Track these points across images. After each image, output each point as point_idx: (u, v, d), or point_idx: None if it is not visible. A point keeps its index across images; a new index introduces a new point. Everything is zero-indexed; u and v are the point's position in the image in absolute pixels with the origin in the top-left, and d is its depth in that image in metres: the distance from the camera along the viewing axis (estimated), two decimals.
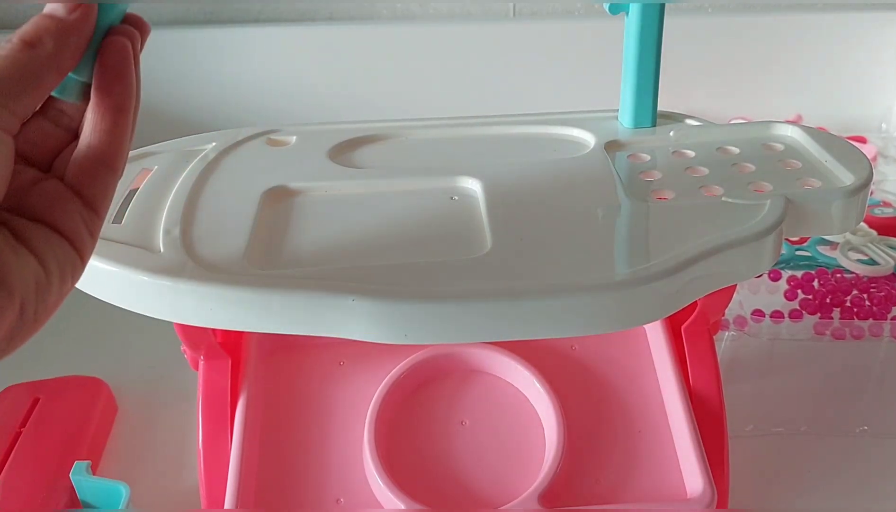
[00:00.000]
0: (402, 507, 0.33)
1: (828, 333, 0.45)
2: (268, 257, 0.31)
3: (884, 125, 0.74)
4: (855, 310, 0.48)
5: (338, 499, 0.34)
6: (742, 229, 0.30)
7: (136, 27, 0.26)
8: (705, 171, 0.35)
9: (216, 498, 0.36)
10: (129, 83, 0.25)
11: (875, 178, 0.62)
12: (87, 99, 0.25)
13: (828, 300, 0.48)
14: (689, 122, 0.40)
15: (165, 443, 0.45)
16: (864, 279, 0.51)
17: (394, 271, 0.29)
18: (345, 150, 0.39)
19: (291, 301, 0.28)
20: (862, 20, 0.72)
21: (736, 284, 0.34)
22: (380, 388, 0.36)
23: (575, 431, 0.36)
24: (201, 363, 0.37)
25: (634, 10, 0.37)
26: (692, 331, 0.38)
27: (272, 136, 0.40)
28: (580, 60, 0.72)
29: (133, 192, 0.35)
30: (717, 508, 0.34)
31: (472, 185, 0.35)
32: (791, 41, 0.73)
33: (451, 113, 0.42)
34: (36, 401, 0.44)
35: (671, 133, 0.38)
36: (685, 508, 0.33)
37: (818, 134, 0.37)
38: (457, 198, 0.34)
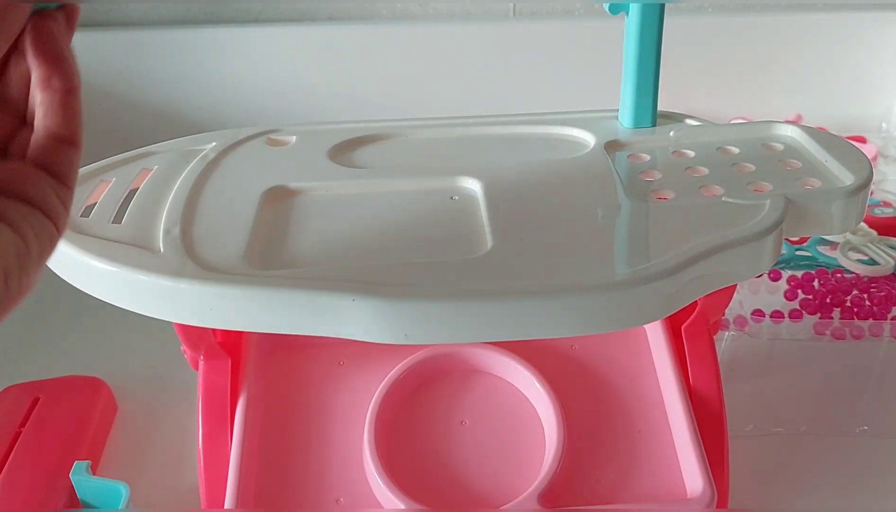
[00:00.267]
0: (402, 507, 0.33)
1: (828, 333, 0.45)
2: (268, 257, 0.31)
3: (884, 125, 0.74)
4: (855, 310, 0.48)
5: (338, 499, 0.34)
6: (742, 229, 0.30)
7: (64, 10, 0.26)
8: (705, 171, 0.35)
9: (216, 498, 0.36)
10: (69, 66, 0.26)
11: (875, 178, 0.62)
12: None
13: (828, 300, 0.48)
14: (689, 122, 0.40)
15: (165, 443, 0.45)
16: (864, 279, 0.51)
17: (394, 271, 0.29)
18: (345, 150, 0.39)
19: (291, 301, 0.28)
20: (862, 20, 0.72)
21: (736, 284, 0.34)
22: (380, 388, 0.36)
23: (575, 431, 0.36)
24: (201, 363, 0.37)
25: (634, 10, 0.37)
26: (692, 331, 0.38)
27: (272, 136, 0.40)
28: (580, 60, 0.72)
29: (133, 192, 0.35)
30: (717, 508, 0.34)
31: (472, 185, 0.35)
32: (791, 41, 0.73)
33: (451, 113, 0.42)
34: (36, 401, 0.44)
35: (671, 133, 0.38)
36: (685, 508, 0.33)
37: (818, 134, 0.37)
38: (457, 198, 0.34)
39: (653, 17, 0.37)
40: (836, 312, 0.47)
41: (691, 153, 0.37)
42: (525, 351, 0.38)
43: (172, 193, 0.34)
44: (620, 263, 0.29)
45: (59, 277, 0.32)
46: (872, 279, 0.51)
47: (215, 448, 0.36)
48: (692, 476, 0.34)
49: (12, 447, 0.41)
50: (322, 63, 0.72)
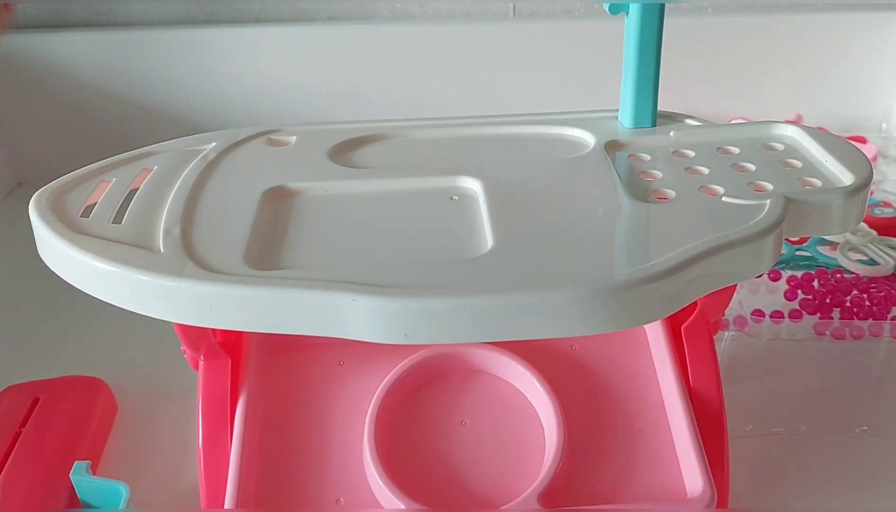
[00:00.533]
0: (402, 507, 0.33)
1: (828, 333, 0.45)
2: (268, 257, 0.31)
3: (884, 125, 0.74)
4: (855, 310, 0.48)
5: (338, 499, 0.34)
6: (742, 229, 0.30)
7: None
8: (705, 171, 0.35)
9: (216, 498, 0.36)
10: None
11: (875, 178, 0.62)
12: None
13: (828, 300, 0.48)
14: (689, 122, 0.40)
15: (165, 443, 0.45)
16: (864, 279, 0.51)
17: (394, 271, 0.29)
18: (345, 150, 0.39)
19: (291, 301, 0.28)
20: (862, 20, 0.72)
21: (736, 284, 0.34)
22: (380, 388, 0.36)
23: (575, 431, 0.36)
24: (201, 363, 0.37)
25: (634, 10, 0.37)
26: (692, 331, 0.38)
27: (272, 136, 0.40)
28: (580, 60, 0.72)
29: (133, 192, 0.35)
30: (717, 508, 0.34)
31: (472, 185, 0.35)
32: (791, 41, 0.73)
33: (451, 113, 0.42)
34: (36, 401, 0.44)
35: (671, 133, 0.38)
36: (685, 508, 0.33)
37: (818, 134, 0.37)
38: (457, 198, 0.34)
39: (653, 17, 0.37)
40: (836, 312, 0.47)
41: (691, 153, 0.37)
42: (525, 351, 0.38)
43: (172, 193, 0.34)
44: (620, 263, 0.29)
45: (59, 276, 0.32)
46: (872, 279, 0.51)
47: (215, 448, 0.36)
48: (692, 476, 0.34)
49: (12, 447, 0.41)
50: (322, 63, 0.72)
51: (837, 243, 0.54)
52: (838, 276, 0.51)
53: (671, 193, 0.34)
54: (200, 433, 0.37)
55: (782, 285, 0.51)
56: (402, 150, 0.39)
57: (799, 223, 0.33)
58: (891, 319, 0.47)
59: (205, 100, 0.73)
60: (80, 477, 0.38)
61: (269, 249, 0.31)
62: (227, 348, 0.37)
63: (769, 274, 0.52)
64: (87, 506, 0.39)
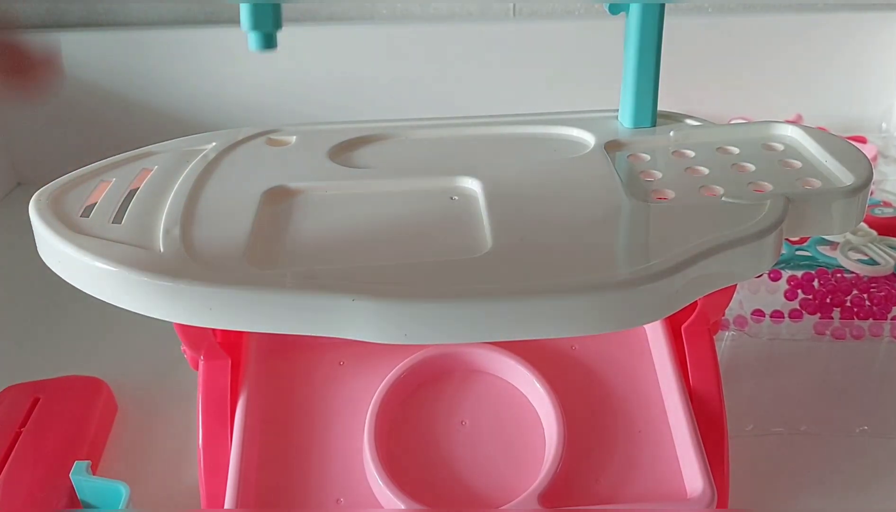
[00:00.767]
0: (402, 507, 0.33)
1: (828, 333, 0.45)
2: (268, 257, 0.31)
3: (884, 125, 0.74)
4: (855, 310, 0.48)
5: (338, 499, 0.34)
6: (742, 229, 0.30)
7: None
8: (705, 171, 0.35)
9: (216, 498, 0.36)
10: None
11: (875, 178, 0.62)
12: None
13: (828, 300, 0.48)
14: (689, 122, 0.40)
15: (165, 443, 0.45)
16: (864, 279, 0.51)
17: (394, 271, 0.29)
18: (345, 150, 0.39)
19: (291, 301, 0.28)
20: (862, 20, 0.72)
21: (736, 284, 0.34)
22: (380, 388, 0.36)
23: (575, 431, 0.36)
24: (201, 363, 0.37)
25: (634, 10, 0.37)
26: (692, 331, 0.38)
27: (272, 136, 0.40)
28: (580, 60, 0.72)
29: (133, 192, 0.35)
30: (717, 508, 0.34)
31: (472, 185, 0.35)
32: (791, 41, 0.73)
33: (451, 113, 0.42)
34: (36, 401, 0.44)
35: (671, 133, 0.38)
36: (685, 508, 0.33)
37: (818, 134, 0.37)
38: (457, 198, 0.34)
39: (653, 17, 0.37)
40: (836, 312, 0.47)
41: (691, 153, 0.37)
42: (525, 351, 0.38)
43: (172, 193, 0.34)
44: (620, 263, 0.29)
45: (59, 276, 0.32)
46: (872, 279, 0.51)
47: (215, 448, 0.36)
48: (692, 476, 0.34)
49: (12, 447, 0.41)
50: (322, 63, 0.72)
51: (837, 243, 0.54)
52: (838, 275, 0.51)
53: (671, 193, 0.34)
54: (200, 433, 0.37)
55: (782, 285, 0.51)
56: (402, 150, 0.39)
57: (799, 223, 0.33)
58: (891, 319, 0.47)
59: (205, 100, 0.73)
60: (80, 477, 0.38)
61: (268, 250, 0.31)
62: (227, 348, 0.37)
63: (769, 274, 0.52)
64: (87, 506, 0.39)
